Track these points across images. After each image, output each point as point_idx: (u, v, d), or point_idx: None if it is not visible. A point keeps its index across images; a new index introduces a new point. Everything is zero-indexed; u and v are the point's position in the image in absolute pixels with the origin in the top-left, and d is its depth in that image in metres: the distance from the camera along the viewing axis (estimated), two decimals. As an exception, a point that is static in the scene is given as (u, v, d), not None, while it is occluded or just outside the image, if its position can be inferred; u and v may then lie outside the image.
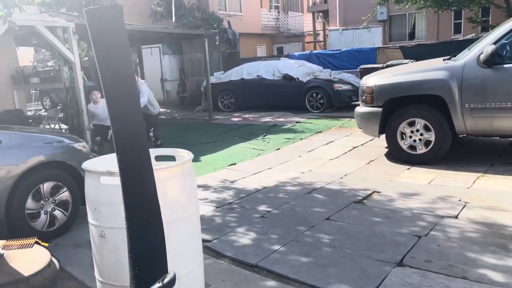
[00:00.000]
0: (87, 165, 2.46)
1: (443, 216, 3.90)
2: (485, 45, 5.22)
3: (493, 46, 5.08)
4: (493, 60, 5.10)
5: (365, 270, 3.03)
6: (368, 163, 5.99)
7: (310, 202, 4.56)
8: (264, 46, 24.33)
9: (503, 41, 5.24)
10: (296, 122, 10.13)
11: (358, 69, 12.23)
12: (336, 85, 11.31)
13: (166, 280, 1.35)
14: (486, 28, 15.61)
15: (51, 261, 1.80)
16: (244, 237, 3.76)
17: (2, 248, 1.81)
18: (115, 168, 2.23)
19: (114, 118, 1.81)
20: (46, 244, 1.86)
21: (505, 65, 5.15)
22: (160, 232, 1.90)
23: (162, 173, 2.25)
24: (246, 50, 19.86)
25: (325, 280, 2.92)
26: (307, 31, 25.86)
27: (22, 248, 1.84)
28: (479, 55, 5.19)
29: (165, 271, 1.87)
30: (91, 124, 7.69)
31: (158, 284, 1.35)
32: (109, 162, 2.59)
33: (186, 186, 2.45)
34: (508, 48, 5.30)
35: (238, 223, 4.10)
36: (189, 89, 15.58)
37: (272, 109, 12.20)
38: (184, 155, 2.69)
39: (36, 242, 1.90)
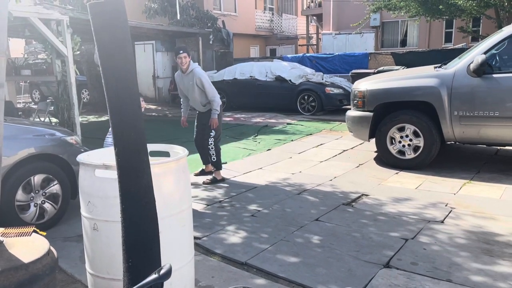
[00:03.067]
0: (81, 158, 2.47)
1: (429, 221, 3.98)
2: (475, 55, 5.33)
3: (483, 56, 5.19)
4: (483, 69, 5.20)
5: (353, 270, 3.09)
6: (358, 167, 6.07)
7: (300, 203, 4.61)
8: (257, 47, 24.41)
9: (493, 51, 5.36)
10: (287, 124, 10.20)
11: (350, 74, 12.37)
12: (328, 88, 11.40)
13: (162, 272, 1.36)
14: (477, 38, 15.85)
15: (49, 249, 1.81)
16: (234, 235, 3.79)
17: (1, 235, 1.82)
18: (110, 161, 2.26)
19: (113, 112, 1.83)
20: (44, 233, 1.88)
21: (494, 75, 5.27)
22: (155, 226, 1.93)
23: (157, 168, 2.27)
24: (240, 51, 19.91)
25: (313, 279, 2.96)
26: (300, 34, 26.00)
27: (20, 236, 1.85)
28: (469, 64, 5.29)
29: (158, 264, 1.90)
30: None
31: (154, 276, 1.35)
32: (104, 155, 2.61)
33: (180, 182, 2.47)
34: (497, 58, 5.43)
35: (228, 222, 4.13)
36: (181, 87, 15.54)
37: (264, 110, 12.25)
38: (179, 151, 2.71)
39: (34, 231, 1.91)
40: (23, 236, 1.85)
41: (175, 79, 5.80)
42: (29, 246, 1.79)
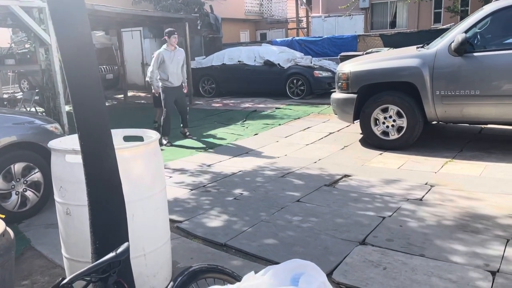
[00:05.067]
0: (52, 143, 2.48)
1: (408, 199, 4.04)
2: (456, 34, 5.34)
3: (464, 35, 5.20)
4: (464, 48, 5.22)
5: (329, 248, 3.14)
6: (343, 149, 6.11)
7: (283, 185, 4.65)
8: (247, 31, 24.20)
9: (474, 30, 5.36)
10: (276, 108, 10.20)
11: (339, 57, 12.32)
12: (316, 72, 11.38)
13: (119, 251, 1.42)
14: (465, 17, 15.82)
15: (5, 230, 1.84)
16: (216, 219, 3.84)
17: (-42, 219, 1.84)
18: (81, 146, 2.27)
19: (74, 96, 1.84)
20: (3, 216, 1.90)
21: (475, 54, 5.28)
22: (121, 208, 1.96)
23: (126, 152, 2.29)
24: (230, 36, 19.74)
25: (290, 258, 2.98)
26: (290, 18, 25.78)
27: (-23, 219, 1.87)
28: (450, 44, 5.31)
29: (125, 245, 1.93)
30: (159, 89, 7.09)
31: (111, 254, 1.41)
32: (76, 141, 2.62)
33: (150, 166, 2.49)
34: (478, 37, 5.43)
35: (211, 205, 4.17)
36: (171, 74, 15.45)
37: (253, 95, 12.23)
38: (151, 135, 2.73)
39: (-8, 214, 1.94)
40: (-21, 219, 1.87)
41: (164, 57, 6.73)
42: (-16, 228, 1.82)
